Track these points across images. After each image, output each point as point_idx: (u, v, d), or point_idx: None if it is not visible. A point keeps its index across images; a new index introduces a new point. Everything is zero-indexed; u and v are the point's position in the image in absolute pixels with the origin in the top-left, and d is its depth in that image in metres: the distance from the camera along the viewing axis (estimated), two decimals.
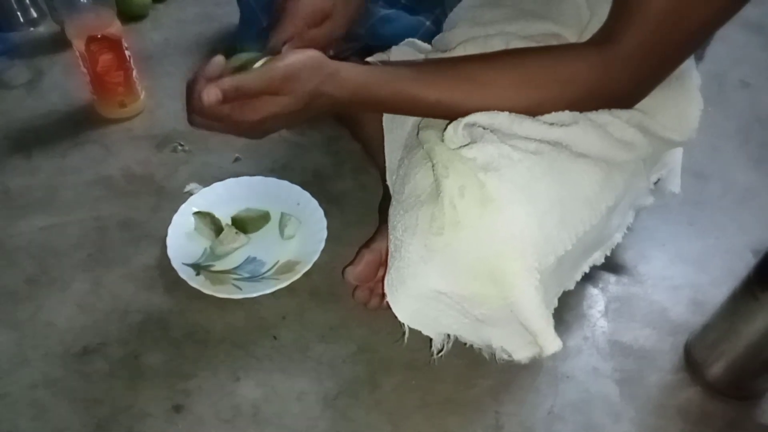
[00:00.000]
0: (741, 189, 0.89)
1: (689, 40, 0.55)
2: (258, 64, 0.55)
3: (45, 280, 0.73)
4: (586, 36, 0.60)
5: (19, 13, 1.10)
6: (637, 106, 0.59)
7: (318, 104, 0.56)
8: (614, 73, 0.55)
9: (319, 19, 0.65)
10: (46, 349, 0.67)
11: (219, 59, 0.56)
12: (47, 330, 0.68)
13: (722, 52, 1.12)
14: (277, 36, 0.63)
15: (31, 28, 1.11)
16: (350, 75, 0.56)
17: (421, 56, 0.74)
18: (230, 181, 0.81)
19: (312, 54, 0.55)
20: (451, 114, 0.57)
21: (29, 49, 1.06)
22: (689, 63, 0.62)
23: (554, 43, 0.64)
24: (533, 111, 0.57)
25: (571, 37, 0.65)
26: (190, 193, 0.80)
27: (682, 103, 0.60)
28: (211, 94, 0.51)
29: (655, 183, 0.71)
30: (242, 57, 0.58)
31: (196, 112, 0.54)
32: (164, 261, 0.72)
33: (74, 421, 0.61)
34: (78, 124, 0.93)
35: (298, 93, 0.54)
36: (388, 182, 0.69)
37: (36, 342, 0.67)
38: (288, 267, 0.73)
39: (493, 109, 0.56)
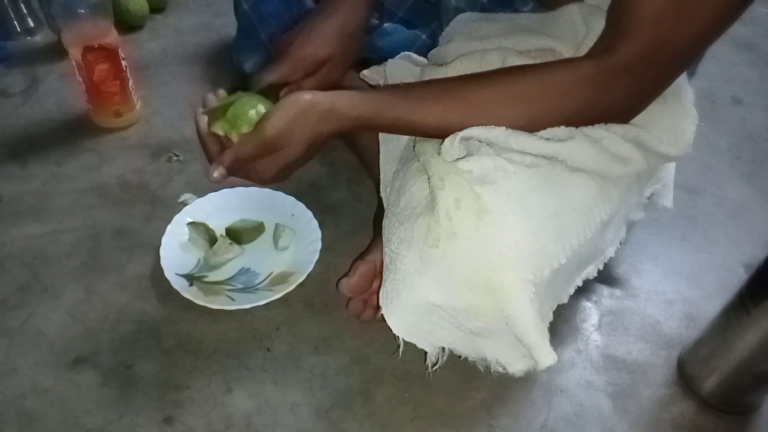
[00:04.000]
0: (733, 204, 0.90)
1: (684, 55, 0.56)
2: (251, 113, 0.59)
3: (37, 288, 0.73)
4: (582, 51, 0.60)
5: (16, 22, 1.10)
6: (633, 120, 0.60)
7: (321, 141, 0.58)
8: (610, 87, 0.56)
9: (316, 68, 0.68)
10: (36, 357, 0.66)
11: (209, 98, 0.63)
12: (38, 339, 0.68)
13: (714, 70, 1.14)
14: (269, 76, 0.65)
15: (28, 37, 1.12)
16: (346, 109, 0.57)
17: (417, 69, 0.75)
18: (225, 192, 0.81)
19: (299, 100, 0.56)
20: (449, 134, 0.57)
21: (26, 58, 1.07)
22: (682, 78, 0.62)
23: (551, 57, 0.65)
24: (530, 127, 0.57)
25: (567, 52, 0.66)
26: (185, 203, 0.80)
27: (677, 117, 0.61)
28: (217, 174, 0.58)
29: (648, 197, 0.72)
30: (235, 98, 0.61)
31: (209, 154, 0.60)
32: (157, 270, 0.72)
33: (64, 431, 0.61)
34: (73, 132, 0.93)
35: (296, 142, 0.57)
36: (382, 194, 0.70)
37: (26, 351, 0.67)
38: (282, 278, 0.72)
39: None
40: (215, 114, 0.60)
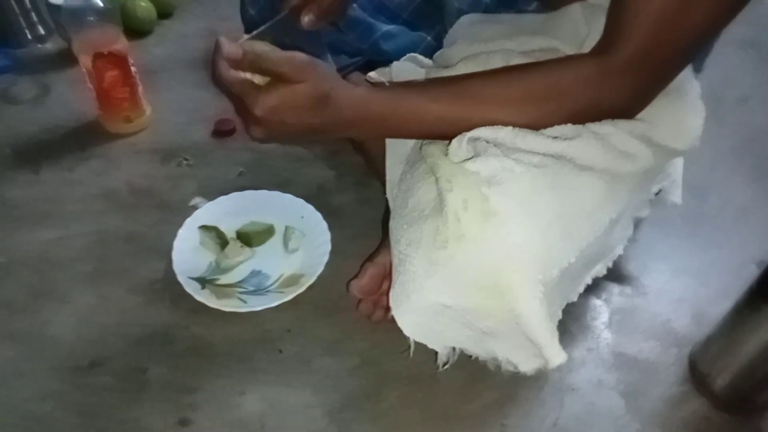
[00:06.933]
0: (740, 203, 0.89)
1: (686, 48, 0.56)
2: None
3: (50, 293, 0.74)
4: (584, 50, 0.61)
5: (26, 30, 1.11)
6: (639, 116, 0.60)
7: (326, 115, 0.55)
8: (613, 83, 0.56)
9: None
10: (51, 362, 0.67)
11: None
12: (52, 344, 0.69)
13: (719, 71, 1.13)
14: (291, 1, 0.64)
15: (39, 45, 1.13)
16: (355, 93, 0.57)
17: (422, 71, 0.75)
18: (235, 195, 0.81)
19: (328, 65, 0.56)
20: (453, 131, 0.57)
21: (36, 65, 1.08)
22: (687, 72, 0.63)
23: (553, 57, 0.65)
24: (535, 125, 0.58)
25: (569, 51, 0.66)
26: (195, 207, 0.81)
27: (682, 112, 0.61)
28: (233, 48, 0.52)
29: (656, 194, 0.72)
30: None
31: (215, 73, 0.54)
32: (168, 275, 0.72)
33: None
34: (84, 138, 0.94)
35: (314, 85, 0.53)
36: (388, 196, 0.70)
37: (41, 355, 0.67)
38: (292, 280, 0.73)
39: (496, 125, 0.57)
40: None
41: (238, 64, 0.52)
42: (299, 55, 0.53)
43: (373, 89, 0.59)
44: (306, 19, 0.63)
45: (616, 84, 0.56)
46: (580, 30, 0.66)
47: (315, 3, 0.64)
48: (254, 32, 0.59)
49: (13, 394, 0.64)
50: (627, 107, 0.59)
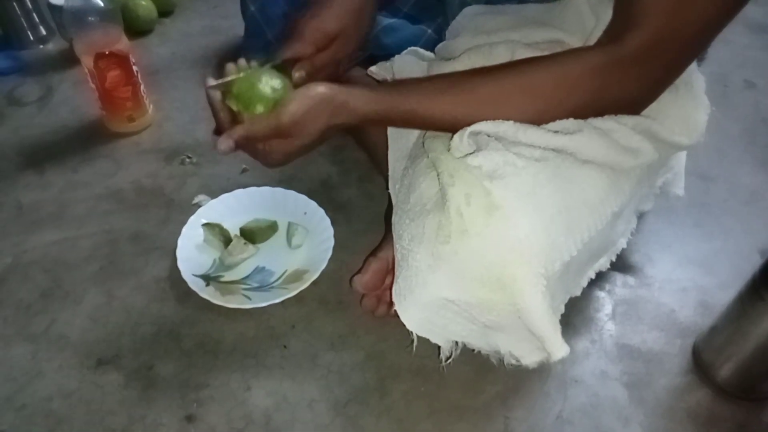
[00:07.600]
0: (747, 190, 0.89)
1: (693, 43, 0.55)
2: (265, 90, 0.58)
3: (59, 293, 0.75)
4: (591, 42, 0.60)
5: (29, 32, 1.12)
6: (645, 111, 0.59)
7: (332, 133, 0.59)
8: (617, 76, 0.55)
9: (327, 43, 0.67)
10: (60, 361, 0.68)
11: (230, 67, 0.61)
12: (62, 342, 0.70)
13: (726, 54, 1.12)
14: (285, 53, 0.65)
15: (41, 46, 1.14)
16: (359, 104, 0.58)
17: (424, 64, 0.75)
18: (238, 192, 0.82)
19: (320, 92, 0.57)
20: (459, 126, 0.57)
21: (39, 67, 1.09)
22: (693, 66, 0.62)
23: (559, 49, 0.64)
24: (539, 119, 0.57)
25: (575, 43, 0.65)
26: (199, 205, 0.82)
27: (689, 107, 0.60)
28: (225, 147, 0.57)
29: (660, 186, 0.71)
30: (247, 72, 0.60)
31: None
32: (175, 273, 0.73)
33: None
34: (88, 139, 0.95)
35: (309, 132, 0.58)
36: (390, 190, 0.70)
37: (51, 354, 0.68)
38: (296, 276, 0.73)
39: (502, 119, 0.57)
40: (228, 88, 0.59)
41: (236, 149, 0.57)
42: (285, 115, 0.56)
43: (375, 91, 0.59)
44: (297, 75, 0.64)
45: (624, 76, 0.55)
46: (586, 21, 0.65)
47: (309, 60, 0.65)
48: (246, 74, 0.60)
49: (25, 393, 0.65)
50: (634, 101, 0.58)
